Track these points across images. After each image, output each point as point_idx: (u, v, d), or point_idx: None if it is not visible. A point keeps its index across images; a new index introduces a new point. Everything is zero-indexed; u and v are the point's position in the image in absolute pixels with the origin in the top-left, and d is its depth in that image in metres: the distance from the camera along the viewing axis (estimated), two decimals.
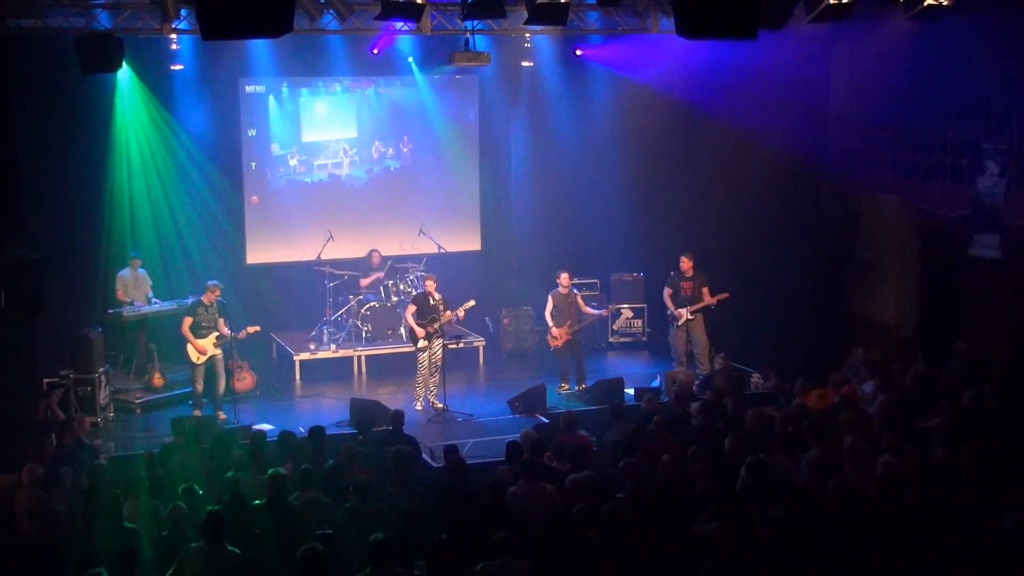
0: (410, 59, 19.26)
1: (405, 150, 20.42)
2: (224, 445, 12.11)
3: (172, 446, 12.33)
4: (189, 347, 15.69)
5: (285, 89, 19.56)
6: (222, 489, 10.52)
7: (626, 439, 11.90)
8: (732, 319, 18.10)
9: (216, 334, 15.76)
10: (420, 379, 16.33)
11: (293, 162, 19.80)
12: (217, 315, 15.79)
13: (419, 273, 18.69)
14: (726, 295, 17.41)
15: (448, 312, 16.23)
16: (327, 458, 11.52)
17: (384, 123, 20.26)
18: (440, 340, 16.34)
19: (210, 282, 15.87)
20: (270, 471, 10.40)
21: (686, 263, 17.53)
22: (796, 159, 18.94)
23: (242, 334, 15.69)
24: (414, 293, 17.51)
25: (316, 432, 12.05)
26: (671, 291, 17.58)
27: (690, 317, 17.41)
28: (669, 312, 17.61)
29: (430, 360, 16.26)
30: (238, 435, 13.17)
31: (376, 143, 20.30)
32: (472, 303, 16.48)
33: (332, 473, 10.78)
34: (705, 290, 17.48)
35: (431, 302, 16.26)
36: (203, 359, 15.73)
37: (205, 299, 15.76)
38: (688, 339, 17.52)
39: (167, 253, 18.31)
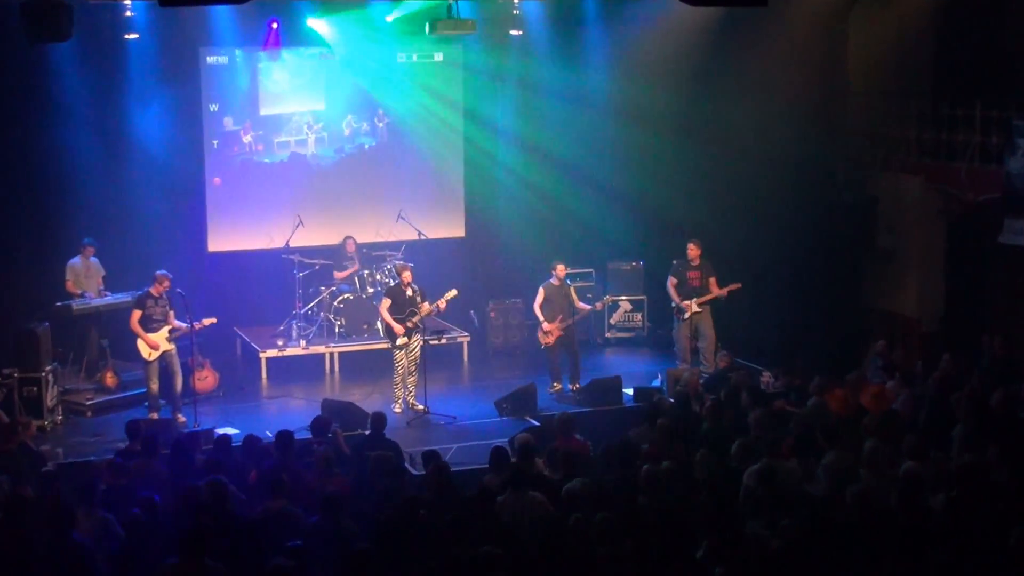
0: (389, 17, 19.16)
1: (381, 125, 20.28)
2: (184, 451, 12.03)
3: (127, 452, 12.25)
4: (140, 343, 15.65)
5: (238, 54, 19.24)
6: (184, 498, 10.47)
7: (621, 443, 11.87)
8: (738, 313, 18.11)
9: (169, 328, 15.71)
10: (398, 379, 16.30)
11: (247, 139, 19.52)
12: (168, 307, 15.75)
13: (396, 262, 18.63)
14: (737, 286, 17.40)
15: (426, 304, 16.18)
16: (296, 465, 11.47)
17: (357, 95, 20.09)
18: (418, 336, 16.29)
19: (158, 272, 15.81)
20: (209, 479, 10.37)
21: (693, 250, 17.50)
22: (810, 137, 18.92)
23: (197, 326, 15.65)
24: (390, 285, 17.45)
25: (283, 437, 11.99)
26: (676, 281, 17.56)
27: (697, 310, 17.40)
28: (674, 304, 17.59)
29: (408, 358, 16.21)
30: (200, 440, 13.13)
31: (348, 118, 20.14)
32: (454, 292, 16.46)
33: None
34: (713, 280, 17.47)
35: (407, 294, 16.20)
36: (155, 355, 15.68)
37: (154, 290, 15.71)
38: (694, 334, 17.50)
39: (122, 240, 18.22)
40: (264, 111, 19.64)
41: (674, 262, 17.69)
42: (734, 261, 18.26)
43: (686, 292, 17.47)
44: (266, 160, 19.70)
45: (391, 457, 11.59)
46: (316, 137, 19.97)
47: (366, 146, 20.28)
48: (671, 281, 17.61)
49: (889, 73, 19.13)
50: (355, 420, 14.61)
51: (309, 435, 13.07)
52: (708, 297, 17.44)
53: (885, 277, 19.20)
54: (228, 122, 19.42)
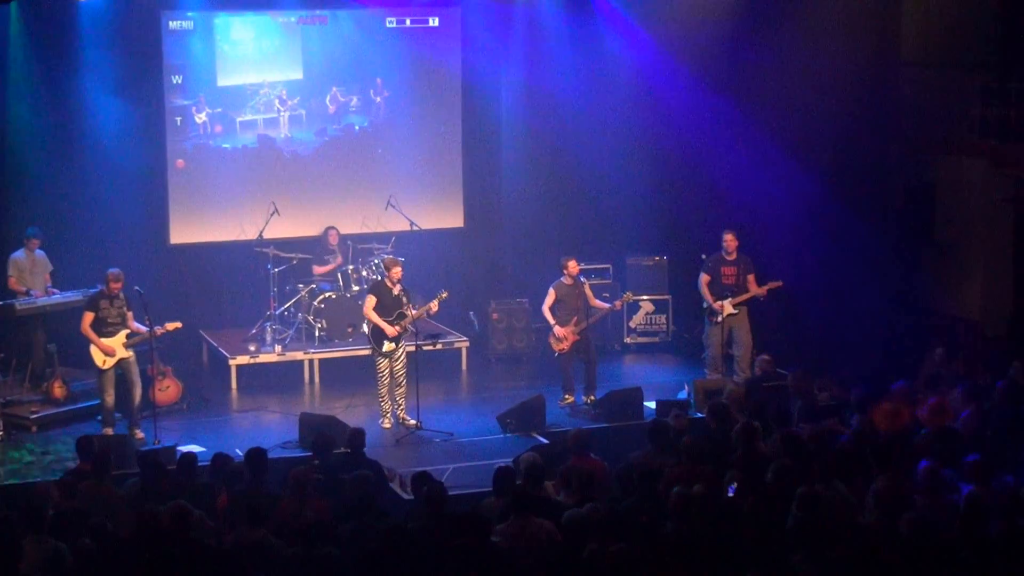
0: None
1: (378, 100, 20.11)
2: (144, 471, 12.01)
3: (77, 472, 12.24)
4: (93, 349, 15.63)
5: (203, 17, 19.03)
6: (142, 525, 10.46)
7: (642, 463, 11.83)
8: (776, 315, 18.09)
9: (126, 331, 15.70)
10: (383, 390, 16.27)
11: (200, 118, 19.26)
12: (125, 308, 15.74)
13: (384, 255, 18.58)
14: (778, 284, 17.33)
15: (412, 308, 16.14)
16: (268, 487, 11.47)
17: (346, 62, 19.85)
18: (404, 343, 16.25)
19: (111, 269, 15.75)
20: (171, 504, 10.36)
21: (731, 241, 17.39)
22: (859, 114, 18.88)
23: (159, 331, 15.62)
24: (377, 280, 17.43)
25: (254, 456, 11.95)
26: (708, 278, 17.47)
27: (732, 311, 17.32)
28: (706, 305, 17.50)
29: (393, 367, 16.18)
30: (161, 459, 13.11)
31: (334, 90, 19.94)
32: (444, 294, 16.40)
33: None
34: (751, 277, 17.39)
35: (394, 293, 16.17)
36: (111, 363, 15.65)
37: (107, 290, 15.69)
38: (728, 339, 17.44)
39: (72, 231, 18.25)
40: (223, 81, 19.32)
41: (707, 257, 17.60)
42: (772, 256, 18.22)
43: (720, 290, 17.38)
44: (225, 145, 19.46)
45: (370, 477, 11.52)
46: (291, 115, 19.71)
47: (356, 127, 20.04)
48: (703, 278, 17.52)
49: (949, 42, 19.09)
50: (336, 437, 14.56)
51: (284, 454, 13.00)
52: (745, 296, 17.37)
53: (944, 275, 19.17)
54: (174, 97, 19.13)
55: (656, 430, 12.72)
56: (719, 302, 17.33)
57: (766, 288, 17.32)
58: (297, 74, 19.69)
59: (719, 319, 17.35)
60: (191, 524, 10.29)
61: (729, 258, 17.42)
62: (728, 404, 14.11)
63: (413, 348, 16.35)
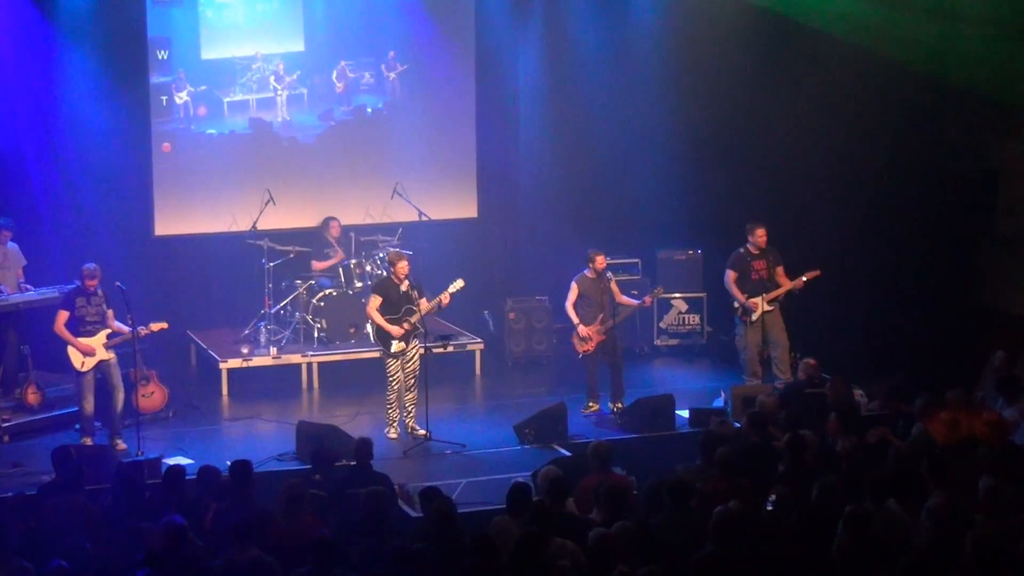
0: None
1: (392, 76, 19.95)
2: (126, 485, 12.00)
3: (52, 486, 12.23)
4: (70, 349, 15.62)
5: None
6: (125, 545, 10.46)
7: (672, 479, 11.79)
8: (819, 313, 18.00)
9: (106, 331, 15.68)
10: (392, 396, 16.26)
11: (182, 98, 19.03)
12: (104, 305, 15.72)
13: (390, 249, 18.56)
14: (816, 273, 17.24)
15: (425, 301, 16.11)
16: (256, 503, 11.48)
17: (356, 32, 19.62)
18: (417, 342, 16.23)
19: (86, 265, 15.72)
20: (165, 521, 10.36)
21: (761, 235, 17.34)
22: (912, 94, 18.77)
23: (142, 331, 15.61)
24: (382, 277, 17.40)
25: (239, 469, 11.94)
26: (736, 274, 17.41)
27: (767, 308, 17.28)
28: (737, 304, 17.45)
29: (404, 370, 16.15)
30: (144, 471, 13.09)
31: (341, 65, 19.75)
32: (460, 284, 16.35)
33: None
34: (780, 270, 17.35)
35: (402, 289, 16.13)
36: (90, 364, 15.65)
37: (83, 286, 15.66)
38: (764, 340, 17.39)
39: (47, 221, 18.28)
40: (208, 54, 19.13)
41: (736, 252, 17.50)
42: (816, 247, 18.14)
43: (750, 287, 17.32)
44: (210, 131, 19.35)
45: (383, 493, 11.52)
46: (290, 95, 19.60)
47: (368, 109, 19.92)
48: (730, 275, 17.45)
49: (1015, 10, 18.96)
50: (339, 448, 14.56)
51: (280, 467, 12.96)
52: (780, 291, 17.31)
53: (1007, 270, 19.05)
54: (154, 75, 18.92)
55: (709, 442, 12.68)
56: (753, 299, 17.28)
57: (801, 280, 17.23)
58: (297, 45, 19.48)
59: (754, 319, 17.30)
60: (186, 544, 10.30)
61: (758, 252, 17.34)
62: (764, 415, 14.08)
63: (422, 351, 16.30)
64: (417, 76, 20.11)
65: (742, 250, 17.49)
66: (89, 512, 11.67)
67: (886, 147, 18.90)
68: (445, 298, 16.30)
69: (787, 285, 17.34)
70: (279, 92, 19.51)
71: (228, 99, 19.29)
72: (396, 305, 16.10)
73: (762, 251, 17.38)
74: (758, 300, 17.28)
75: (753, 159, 19.58)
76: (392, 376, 16.23)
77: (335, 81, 19.68)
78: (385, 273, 17.44)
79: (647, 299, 17.66)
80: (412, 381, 16.23)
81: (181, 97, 19.08)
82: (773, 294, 17.33)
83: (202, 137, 19.22)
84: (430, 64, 20.20)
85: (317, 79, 19.66)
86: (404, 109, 19.91)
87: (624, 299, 17.22)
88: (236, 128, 19.40)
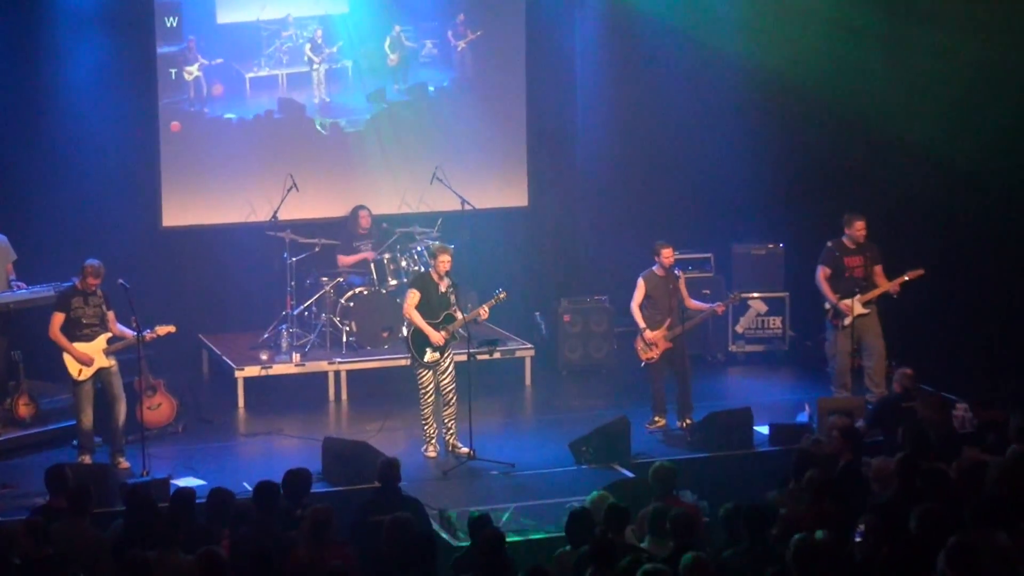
0: None
1: (462, 46, 19.65)
2: (130, 508, 12.04)
3: (48, 509, 12.29)
4: (66, 357, 15.68)
5: None
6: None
7: (752, 505, 11.77)
8: (915, 318, 17.91)
9: (107, 336, 15.75)
10: (427, 410, 16.24)
11: (192, 72, 18.82)
12: (104, 307, 15.78)
13: (429, 242, 18.56)
14: (919, 272, 17.11)
15: (460, 313, 16.03)
16: (276, 531, 11.50)
17: None
18: (450, 352, 16.18)
19: (89, 261, 15.78)
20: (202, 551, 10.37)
21: (859, 227, 17.18)
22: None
23: (148, 335, 15.67)
24: (420, 272, 17.40)
25: (264, 492, 11.98)
26: (829, 271, 17.33)
27: (862, 311, 17.18)
28: (829, 305, 17.34)
29: (440, 381, 16.14)
30: (151, 494, 13.14)
31: (396, 31, 19.42)
32: (500, 295, 16.28)
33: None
34: (878, 268, 17.25)
35: (440, 289, 16.09)
36: (88, 373, 15.70)
37: (81, 284, 15.74)
38: (857, 347, 17.30)
39: (42, 213, 18.41)
40: (224, 17, 18.88)
41: (828, 245, 17.42)
42: (916, 243, 18.05)
43: (844, 287, 17.22)
44: (228, 116, 19.26)
45: (410, 520, 11.50)
46: (330, 70, 19.39)
47: (431, 87, 19.77)
48: (821, 272, 17.35)
49: None
50: (369, 468, 14.56)
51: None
52: (876, 292, 17.20)
53: None
54: (168, 44, 18.75)
55: (801, 463, 12.62)
56: (845, 301, 17.18)
57: (899, 281, 17.08)
58: (340, 6, 19.21)
59: (846, 322, 17.22)
60: None
61: (855, 246, 17.23)
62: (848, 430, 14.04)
63: (464, 357, 16.30)
64: (489, 45, 20.00)
65: (836, 243, 17.36)
66: (91, 539, 11.73)
67: (993, 131, 18.75)
68: (484, 312, 16.18)
69: (885, 286, 17.19)
70: (316, 66, 19.27)
71: (251, 75, 19.10)
72: (435, 308, 16.02)
73: (859, 246, 17.26)
74: (851, 301, 17.17)
75: (847, 139, 19.47)
76: (424, 388, 16.19)
77: (388, 52, 19.46)
78: (422, 268, 17.43)
79: (719, 306, 17.53)
80: (451, 395, 16.19)
81: (191, 72, 18.90)
82: (869, 295, 17.22)
83: (219, 123, 19.07)
84: (496, 29, 20.02)
85: (365, 50, 19.48)
86: (476, 87, 19.70)
87: (693, 303, 17.14)
88: (261, 111, 19.23)
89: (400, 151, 20.09)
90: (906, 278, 17.16)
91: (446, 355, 16.13)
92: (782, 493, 12.55)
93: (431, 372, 16.13)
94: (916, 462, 12.52)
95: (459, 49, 19.47)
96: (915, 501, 11.83)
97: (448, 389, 16.18)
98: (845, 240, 17.34)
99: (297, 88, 19.22)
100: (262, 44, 19.13)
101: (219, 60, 18.95)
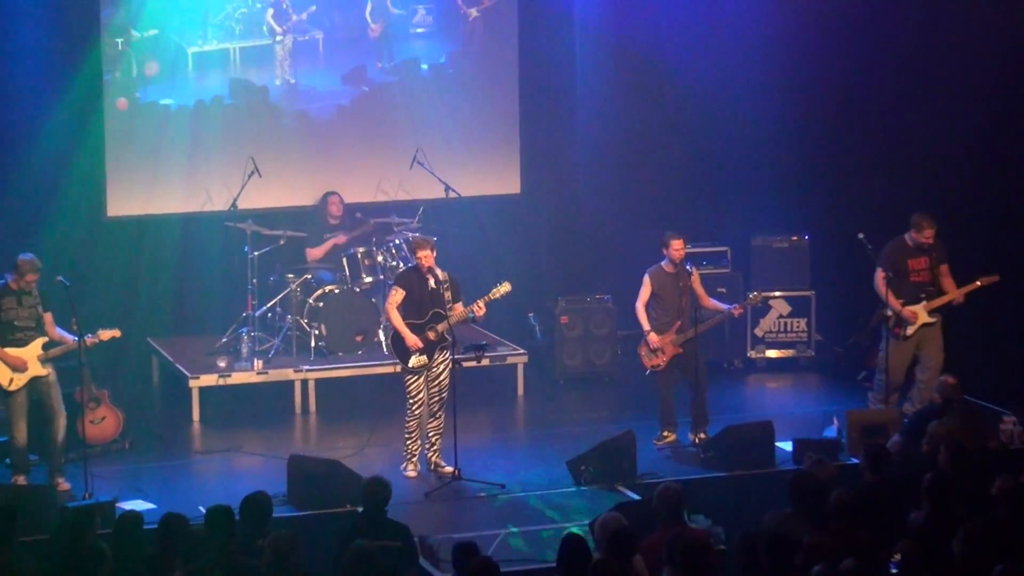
0: None
1: (474, 14, 19.46)
2: (70, 535, 12.04)
3: None
4: None
5: None
6: None
7: (770, 533, 11.78)
8: (968, 327, 17.92)
9: (43, 340, 15.73)
10: (413, 423, 16.28)
11: (119, 47, 18.60)
12: (40, 308, 15.75)
13: (409, 233, 18.57)
14: (994, 278, 16.97)
15: (460, 305, 16.08)
16: (238, 559, 11.48)
17: None
18: (446, 354, 16.22)
19: (23, 256, 15.78)
20: None
21: (927, 235, 16.89)
22: None
23: (91, 340, 15.66)
24: (401, 269, 17.39)
25: (218, 516, 11.95)
26: (886, 274, 17.14)
27: (928, 320, 17.05)
28: (891, 312, 17.15)
29: (428, 389, 16.17)
30: (94, 518, 13.11)
31: None
32: (507, 287, 16.31)
33: None
34: (944, 269, 16.97)
35: (430, 285, 16.11)
36: (20, 382, 15.70)
37: (14, 283, 15.73)
38: (915, 357, 17.22)
39: None
40: None
41: (888, 245, 17.21)
42: (972, 246, 18.05)
43: (906, 291, 17.07)
44: (165, 102, 19.16)
45: (398, 549, 11.52)
46: (297, 43, 19.31)
47: (423, 65, 19.71)
48: (880, 275, 17.19)
49: None
50: (341, 489, 14.55)
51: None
52: (945, 299, 16.96)
53: None
54: (113, 11, 18.55)
55: (800, 485, 12.60)
56: (910, 307, 17.05)
57: (975, 286, 16.91)
58: None
59: (909, 332, 17.06)
60: None
61: (921, 246, 16.87)
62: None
63: (450, 364, 16.29)
64: (500, 14, 19.97)
65: (897, 243, 17.18)
66: (23, 570, 11.71)
67: None
68: (480, 308, 16.12)
69: (954, 293, 16.99)
70: (279, 38, 19.03)
71: (193, 49, 18.91)
72: (420, 306, 16.02)
73: (928, 245, 16.99)
74: (918, 308, 17.02)
75: (886, 124, 19.50)
76: (413, 397, 16.20)
77: (369, 20, 19.20)
78: (401, 265, 17.42)
79: (736, 308, 17.50)
80: (437, 405, 16.20)
81: (119, 45, 18.56)
82: (937, 302, 16.97)
83: (155, 108, 18.90)
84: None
85: (340, 18, 19.30)
86: (484, 66, 19.66)
87: (711, 303, 17.11)
88: (206, 97, 19.09)
89: (376, 132, 20.08)
90: (979, 284, 17.04)
91: (439, 359, 16.14)
92: (777, 515, 12.50)
93: (421, 378, 16.11)
94: (947, 482, 12.54)
95: (471, 18, 19.26)
96: (950, 524, 11.86)
97: (437, 399, 16.17)
98: (907, 239, 17.14)
99: (254, 67, 18.93)
100: (209, 10, 18.89)
101: (152, 31, 18.65)
